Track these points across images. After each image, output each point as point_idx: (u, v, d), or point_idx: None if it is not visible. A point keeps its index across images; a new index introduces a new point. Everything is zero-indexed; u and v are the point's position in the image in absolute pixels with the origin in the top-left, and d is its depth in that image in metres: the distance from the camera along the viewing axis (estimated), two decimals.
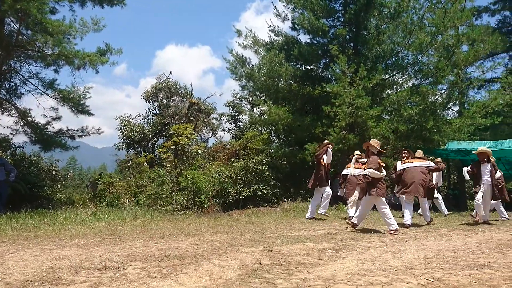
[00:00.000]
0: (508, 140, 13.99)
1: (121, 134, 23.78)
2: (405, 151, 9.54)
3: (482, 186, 7.91)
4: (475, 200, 8.18)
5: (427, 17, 13.81)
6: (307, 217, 8.91)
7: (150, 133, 24.77)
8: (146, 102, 25.66)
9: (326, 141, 10.01)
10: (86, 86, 15.55)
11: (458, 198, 17.13)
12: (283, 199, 12.93)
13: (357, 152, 9.61)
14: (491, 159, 8.10)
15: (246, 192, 13.43)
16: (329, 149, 9.41)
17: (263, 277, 3.35)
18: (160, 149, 14.19)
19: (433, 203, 11.21)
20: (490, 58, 21.51)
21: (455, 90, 14.46)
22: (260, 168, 13.99)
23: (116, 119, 24.35)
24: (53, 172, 15.43)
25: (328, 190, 9.20)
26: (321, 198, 9.17)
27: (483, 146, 9.47)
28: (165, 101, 25.71)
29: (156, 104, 26.01)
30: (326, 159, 9.35)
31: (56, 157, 16.82)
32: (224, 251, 4.52)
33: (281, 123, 14.40)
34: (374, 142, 7.18)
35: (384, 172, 6.84)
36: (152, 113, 26.10)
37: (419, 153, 9.03)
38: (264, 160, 14.36)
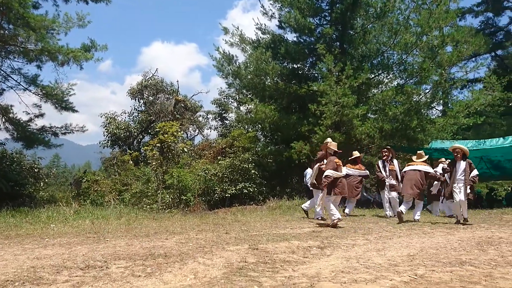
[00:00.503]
0: (489, 139, 14.24)
1: (106, 132, 23.51)
2: (385, 150, 9.62)
3: (455, 184, 7.87)
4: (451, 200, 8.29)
5: (412, 17, 13.98)
6: (315, 218, 8.43)
7: (136, 131, 24.55)
8: (131, 99, 25.45)
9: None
10: (70, 82, 15.37)
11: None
12: (269, 197, 12.97)
13: (355, 152, 9.88)
14: (466, 157, 8.19)
15: (232, 190, 13.42)
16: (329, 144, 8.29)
17: (248, 275, 3.35)
18: (145, 147, 14.08)
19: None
20: (473, 59, 21.93)
21: (439, 90, 14.65)
22: (246, 166, 13.99)
23: (101, 116, 24.10)
24: (35, 170, 15.17)
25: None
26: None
27: (463, 145, 9.57)
28: (151, 98, 25.50)
29: (141, 101, 25.79)
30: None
31: (39, 154, 16.56)
32: (210, 249, 4.51)
33: (267, 121, 14.41)
34: (331, 144, 7.62)
35: (344, 172, 7.51)
36: (138, 110, 25.88)
37: (421, 154, 8.98)
38: (250, 158, 14.36)
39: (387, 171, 9.43)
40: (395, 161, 9.76)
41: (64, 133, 15.95)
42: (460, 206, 7.60)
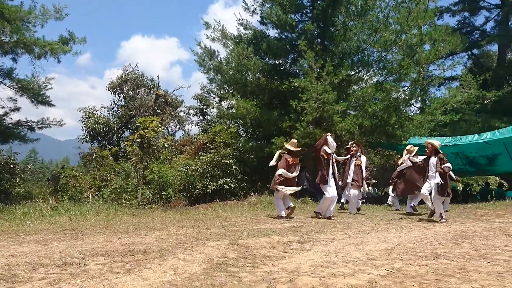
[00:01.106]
0: (465, 136, 14.61)
1: (85, 126, 23.11)
2: (354, 145, 9.69)
3: (428, 180, 8.04)
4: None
5: (392, 16, 14.15)
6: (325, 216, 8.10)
7: (115, 126, 24.19)
8: (111, 93, 25.04)
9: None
10: (47, 76, 15.00)
11: None
12: (251, 192, 12.98)
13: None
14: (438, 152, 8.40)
15: (213, 185, 13.38)
16: (328, 137, 8.14)
17: (228, 271, 3.36)
18: (125, 142, 13.90)
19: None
20: (450, 57, 22.37)
21: (417, 87, 14.92)
22: (228, 161, 13.97)
23: (80, 111, 23.66)
24: (11, 165, 14.79)
25: (327, 190, 7.79)
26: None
27: (437, 141, 9.80)
28: (131, 93, 25.15)
29: (121, 96, 25.42)
30: (328, 149, 8.03)
31: (15, 149, 16.16)
32: (190, 245, 4.50)
33: (249, 117, 14.41)
34: (290, 142, 8.15)
35: (296, 173, 7.87)
36: (118, 105, 25.49)
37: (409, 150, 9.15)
38: (231, 154, 14.35)
39: (352, 166, 9.49)
40: (363, 158, 9.78)
41: (41, 128, 15.60)
42: (428, 199, 7.82)
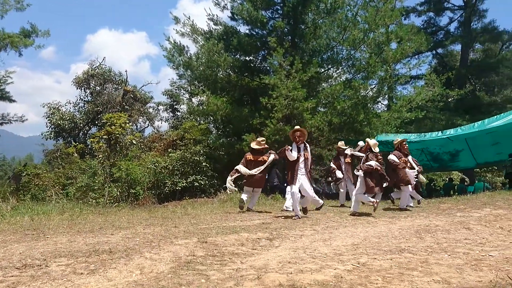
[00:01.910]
0: (430, 133, 15.09)
1: (49, 123, 22.36)
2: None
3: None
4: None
5: (360, 14, 14.42)
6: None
7: (82, 122, 23.52)
8: (77, 88, 24.32)
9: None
10: (7, 70, 14.38)
11: (386, 187, 18.21)
12: (221, 190, 12.93)
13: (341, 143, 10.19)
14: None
15: (183, 183, 13.25)
16: (287, 152, 7.71)
17: (196, 269, 3.33)
18: (92, 139, 13.54)
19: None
20: (416, 56, 23.05)
21: (384, 85, 15.28)
22: (198, 158, 13.86)
23: (44, 106, 22.83)
24: None
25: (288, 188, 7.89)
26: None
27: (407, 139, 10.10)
28: (98, 88, 24.53)
29: (88, 91, 24.74)
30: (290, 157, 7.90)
31: None
32: (157, 244, 4.42)
33: (219, 114, 14.33)
34: (255, 140, 8.55)
35: (256, 171, 8.15)
36: (84, 100, 24.81)
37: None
38: (202, 151, 14.24)
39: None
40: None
41: (1, 123, 14.96)
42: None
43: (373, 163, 7.55)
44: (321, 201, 8.34)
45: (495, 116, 13.39)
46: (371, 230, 5.42)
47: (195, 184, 13.30)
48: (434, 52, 26.15)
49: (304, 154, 6.89)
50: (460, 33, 25.11)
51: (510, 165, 13.99)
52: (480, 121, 13.57)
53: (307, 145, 6.99)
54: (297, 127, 7.36)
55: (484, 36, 24.18)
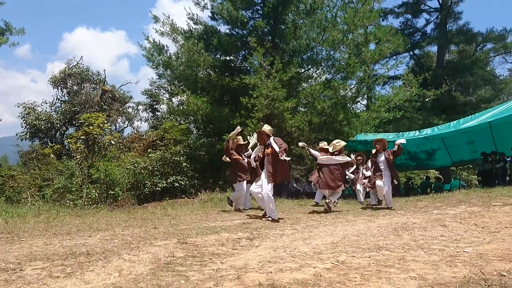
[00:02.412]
0: (407, 132, 15.40)
1: (25, 123, 21.82)
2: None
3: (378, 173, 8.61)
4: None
5: (339, 15, 14.57)
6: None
7: (58, 122, 23.03)
8: (54, 88, 23.82)
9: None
10: None
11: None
12: (202, 190, 12.87)
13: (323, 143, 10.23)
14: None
15: (163, 183, 13.13)
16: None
17: (176, 270, 3.30)
18: (69, 140, 13.27)
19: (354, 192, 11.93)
20: (394, 57, 23.46)
21: (363, 85, 15.50)
22: (178, 159, 13.75)
23: (19, 106, 22.25)
24: None
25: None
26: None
27: (384, 138, 10.28)
28: (75, 87, 24.07)
29: (65, 90, 24.25)
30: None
31: None
32: (136, 245, 4.36)
33: (199, 114, 14.24)
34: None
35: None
36: (61, 100, 24.30)
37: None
38: (182, 151, 14.13)
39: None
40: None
41: None
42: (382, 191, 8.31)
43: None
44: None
45: (470, 116, 13.78)
46: (350, 228, 5.49)
47: (175, 185, 13.20)
48: (411, 53, 26.67)
49: (265, 152, 6.87)
50: (436, 35, 25.68)
51: (483, 164, 14.42)
52: (456, 121, 13.94)
53: (271, 141, 6.87)
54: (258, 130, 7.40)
55: (459, 37, 24.79)
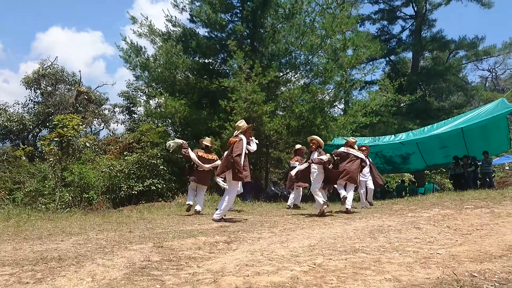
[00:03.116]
0: (383, 136, 15.68)
1: None
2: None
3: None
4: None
5: (318, 20, 14.77)
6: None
7: (31, 124, 22.41)
8: (26, 89, 23.16)
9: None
10: None
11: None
12: (179, 193, 12.72)
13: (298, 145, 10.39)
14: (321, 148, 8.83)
15: (140, 187, 12.92)
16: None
17: (151, 274, 3.24)
18: (42, 142, 12.90)
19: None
20: (371, 62, 23.88)
21: (341, 89, 15.73)
22: (155, 162, 13.56)
23: None
24: None
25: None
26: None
27: (360, 142, 10.44)
28: (49, 88, 23.50)
29: (38, 91, 23.65)
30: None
31: None
32: (110, 249, 4.26)
33: (177, 116, 14.13)
34: (207, 139, 8.96)
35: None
36: (34, 101, 23.68)
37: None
38: (159, 154, 13.95)
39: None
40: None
41: None
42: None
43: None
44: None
45: (443, 121, 14.15)
46: (327, 231, 5.52)
47: (152, 188, 13.01)
48: (387, 58, 27.18)
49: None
50: (411, 41, 26.28)
51: (454, 167, 14.82)
52: (430, 126, 14.29)
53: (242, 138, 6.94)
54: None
55: (433, 44, 25.43)
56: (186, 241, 4.75)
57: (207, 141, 8.96)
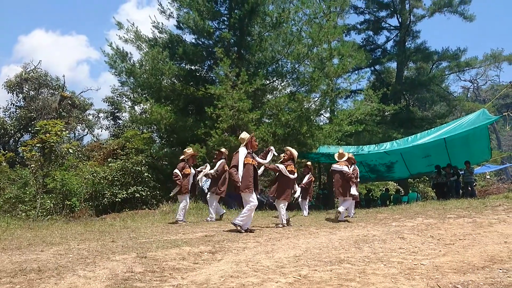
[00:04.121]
0: (368, 145, 15.83)
1: None
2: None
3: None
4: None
5: (304, 30, 14.91)
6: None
7: (13, 128, 21.95)
8: (8, 93, 22.71)
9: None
10: None
11: (327, 197, 18.78)
12: (163, 201, 12.58)
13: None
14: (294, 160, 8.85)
15: (123, 194, 12.74)
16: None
17: (134, 286, 3.18)
18: (23, 147, 12.64)
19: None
20: (356, 72, 24.15)
21: (327, 98, 15.85)
22: (139, 169, 13.41)
23: None
24: None
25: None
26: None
27: (345, 151, 10.50)
28: (32, 93, 23.10)
29: (21, 95, 23.21)
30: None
31: None
32: (92, 260, 4.17)
33: (163, 123, 14.00)
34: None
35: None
36: (16, 105, 23.22)
37: (342, 154, 9.43)
38: (144, 161, 13.80)
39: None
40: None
41: None
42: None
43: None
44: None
45: (427, 131, 14.38)
46: (312, 241, 5.51)
47: (136, 195, 12.85)
48: (372, 68, 27.56)
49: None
50: (395, 52, 26.72)
51: (436, 177, 15.05)
52: (413, 135, 14.50)
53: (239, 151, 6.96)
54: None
55: (417, 55, 25.89)
56: (170, 251, 4.68)
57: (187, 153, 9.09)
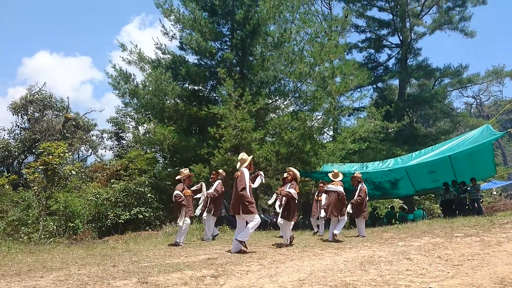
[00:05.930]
0: (372, 162, 15.73)
1: None
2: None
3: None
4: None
5: (306, 49, 15.03)
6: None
7: (17, 150, 22.05)
8: (13, 114, 22.90)
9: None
10: None
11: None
12: (167, 222, 12.48)
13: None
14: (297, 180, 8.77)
15: (126, 215, 12.66)
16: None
17: None
18: (26, 170, 12.65)
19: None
20: (358, 90, 24.22)
21: (329, 117, 15.85)
22: (142, 189, 13.37)
23: None
24: None
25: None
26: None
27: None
28: (36, 114, 23.29)
29: (25, 117, 23.40)
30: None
31: None
32: (92, 286, 4.10)
33: (166, 143, 13.99)
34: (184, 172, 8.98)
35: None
36: (21, 127, 23.36)
37: (337, 174, 9.32)
38: (147, 181, 13.76)
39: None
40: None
41: None
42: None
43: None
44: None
45: (431, 147, 14.30)
46: (317, 263, 5.40)
47: (139, 216, 12.77)
48: (374, 86, 27.61)
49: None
50: (397, 69, 26.81)
51: (444, 193, 14.89)
52: (417, 152, 14.41)
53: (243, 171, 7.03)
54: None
55: (419, 72, 25.95)
56: (172, 275, 4.60)
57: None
